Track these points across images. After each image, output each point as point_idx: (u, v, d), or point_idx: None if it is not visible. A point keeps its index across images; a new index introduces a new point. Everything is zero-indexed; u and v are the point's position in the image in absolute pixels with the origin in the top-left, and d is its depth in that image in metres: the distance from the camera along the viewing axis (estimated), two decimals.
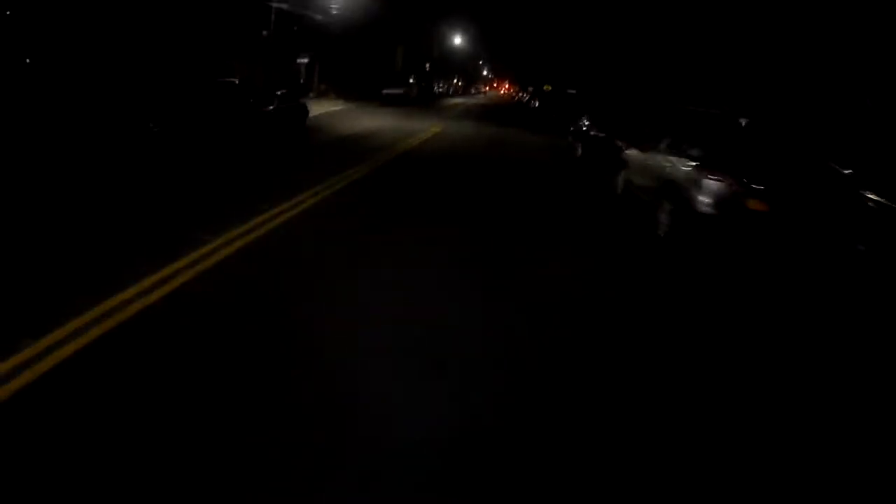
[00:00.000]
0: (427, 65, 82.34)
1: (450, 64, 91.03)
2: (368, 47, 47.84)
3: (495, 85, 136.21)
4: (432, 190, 10.47)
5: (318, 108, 28.57)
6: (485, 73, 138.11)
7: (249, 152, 13.12)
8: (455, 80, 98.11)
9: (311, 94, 39.37)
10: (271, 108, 16.54)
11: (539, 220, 8.95)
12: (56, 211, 6.79)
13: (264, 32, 25.75)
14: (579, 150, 17.35)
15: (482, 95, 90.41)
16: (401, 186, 10.60)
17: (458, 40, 79.45)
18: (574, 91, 38.95)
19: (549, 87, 49.11)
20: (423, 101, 42.83)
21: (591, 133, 16.58)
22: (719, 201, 6.86)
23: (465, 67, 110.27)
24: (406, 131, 19.56)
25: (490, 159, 15.17)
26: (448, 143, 17.58)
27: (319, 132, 18.18)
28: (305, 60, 33.33)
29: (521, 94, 68.60)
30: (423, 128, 21.37)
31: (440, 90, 62.42)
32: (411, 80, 43.07)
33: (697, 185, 7.19)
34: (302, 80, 34.05)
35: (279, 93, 17.56)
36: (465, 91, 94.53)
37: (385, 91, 36.66)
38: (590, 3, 48.63)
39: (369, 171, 11.58)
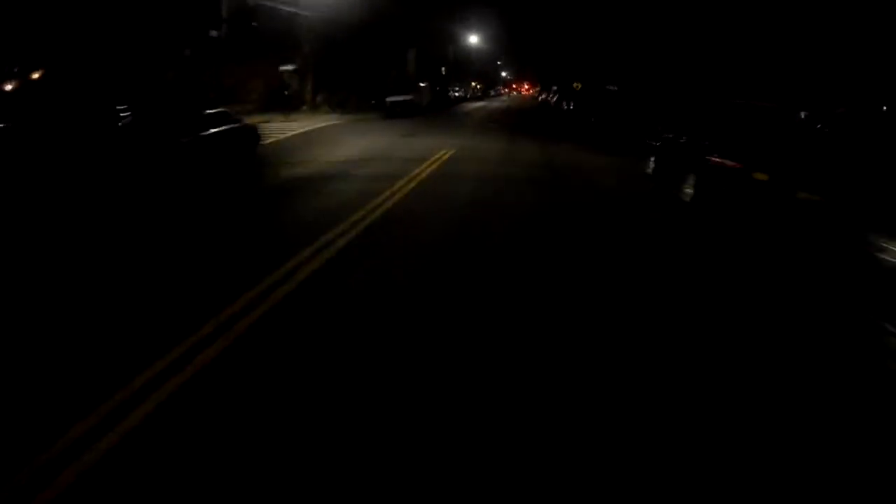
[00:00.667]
0: (443, 68, 76.76)
1: (467, 67, 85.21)
2: (375, 51, 42.38)
3: (514, 87, 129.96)
4: (431, 354, 4.20)
5: (301, 125, 22.87)
6: (504, 74, 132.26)
7: (111, 223, 7.17)
8: (473, 84, 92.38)
9: (303, 108, 33.88)
10: (187, 139, 10.76)
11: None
12: None
13: (214, 33, 19.97)
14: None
15: (504, 98, 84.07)
16: (362, 340, 4.55)
17: (474, 40, 73.62)
18: (614, 87, 32.70)
19: (579, 85, 42.82)
20: (435, 109, 36.76)
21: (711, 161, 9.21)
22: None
23: (483, 70, 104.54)
24: (401, 160, 13.53)
25: (558, 231, 7.87)
26: (465, 186, 10.66)
27: (271, 168, 12.29)
28: (291, 68, 27.71)
29: (545, 95, 62.15)
30: (428, 151, 15.17)
31: (457, 94, 56.36)
32: (421, 85, 37.07)
33: None
34: (288, 92, 28.44)
35: (207, 114, 11.82)
36: (484, 94, 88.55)
37: (389, 99, 30.77)
38: None
39: (307, 279, 5.56)
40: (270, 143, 16.27)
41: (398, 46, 52.83)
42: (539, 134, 22.31)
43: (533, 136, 21.38)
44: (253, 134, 13.47)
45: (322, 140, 17.61)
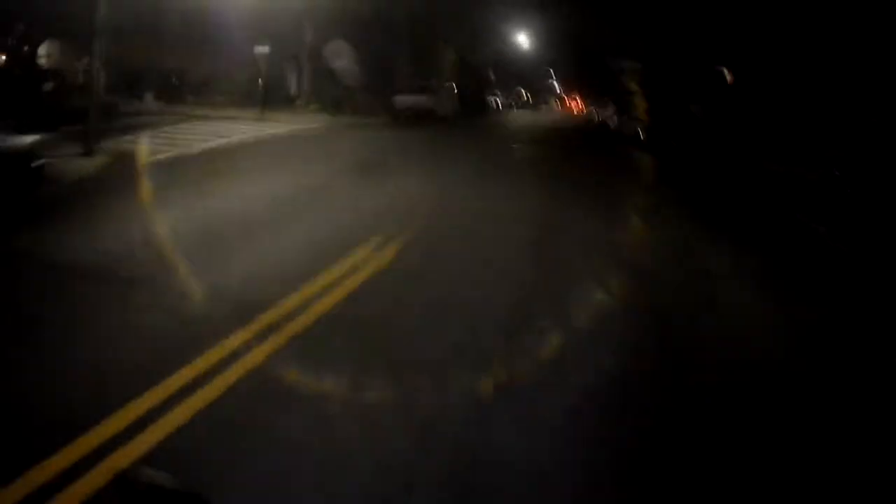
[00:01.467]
0: (491, 72, 69.30)
1: (513, 73, 77.71)
2: (403, 46, 35.35)
3: (565, 99, 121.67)
4: None
5: (260, 129, 15.87)
6: (554, 83, 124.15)
7: None
8: (522, 91, 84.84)
9: (297, 103, 26.79)
10: None
11: None
12: None
13: None
14: None
15: (553, 110, 75.92)
16: None
17: (523, 41, 65.78)
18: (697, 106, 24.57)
19: (646, 104, 34.74)
20: (464, 117, 29.01)
21: None
22: None
23: (533, 78, 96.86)
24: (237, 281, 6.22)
25: None
26: None
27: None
28: (265, 50, 20.60)
29: (599, 112, 52.87)
30: (345, 239, 6.10)
31: (499, 101, 48.46)
32: (447, 84, 29.56)
33: None
34: (262, 81, 21.34)
35: None
36: (531, 104, 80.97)
37: (399, 100, 23.48)
38: None
39: None
40: (156, 162, 9.26)
41: (429, 42, 45.65)
42: (605, 185, 12.19)
43: (595, 188, 11.37)
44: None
45: (220, 167, 10.32)
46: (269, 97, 22.95)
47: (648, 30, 31.71)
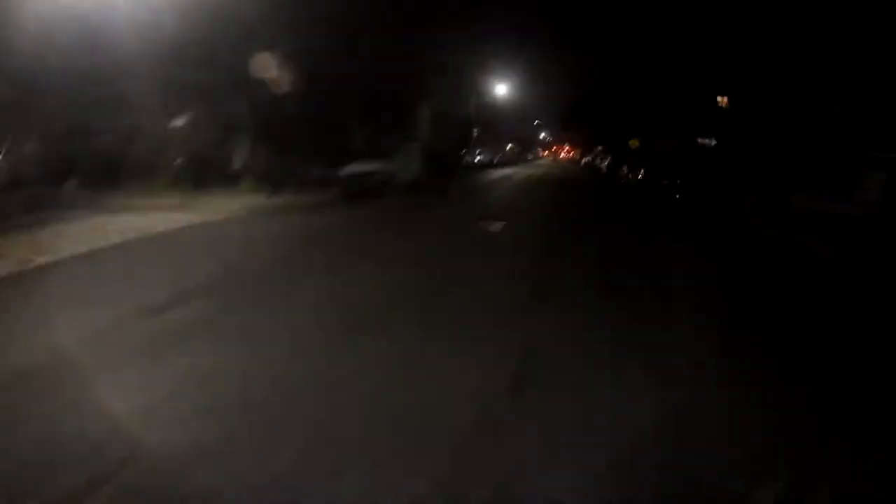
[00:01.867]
0: (474, 130, 66.71)
1: (498, 128, 75.25)
2: (367, 105, 32.24)
3: (556, 148, 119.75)
4: None
5: (158, 223, 11.86)
6: (543, 135, 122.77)
7: None
8: (510, 146, 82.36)
9: (240, 180, 23.15)
10: None
11: None
12: None
13: None
14: None
15: (541, 162, 72.90)
16: None
17: (502, 92, 63.38)
18: (712, 141, 20.94)
19: (637, 143, 31.28)
20: (433, 182, 25.29)
21: None
22: None
23: (520, 131, 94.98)
24: None
25: None
26: None
27: None
28: (180, 123, 17.08)
29: (589, 158, 49.86)
30: None
31: (482, 159, 45.06)
32: (411, 146, 25.92)
33: None
34: (180, 162, 17.69)
35: None
36: (519, 158, 78.27)
37: (346, 172, 19.73)
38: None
39: None
40: None
41: (405, 101, 42.82)
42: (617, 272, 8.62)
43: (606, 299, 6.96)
44: None
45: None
46: (208, 176, 19.46)
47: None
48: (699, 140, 20.75)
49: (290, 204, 17.68)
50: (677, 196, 15.84)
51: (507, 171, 41.89)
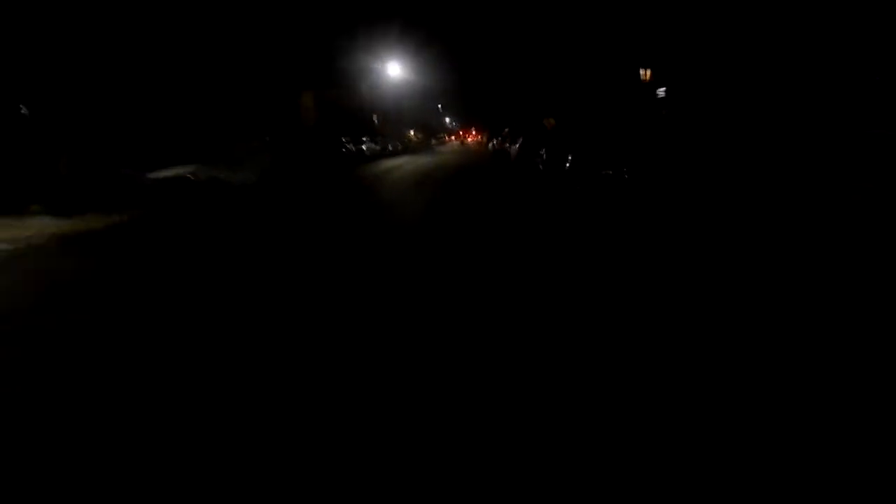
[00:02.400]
0: (375, 116, 61.32)
1: (399, 115, 70.41)
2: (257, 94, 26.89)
3: (462, 133, 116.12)
4: None
5: None
6: (448, 120, 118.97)
7: None
8: (411, 133, 77.65)
9: (31, 207, 17.16)
10: None
11: None
12: None
13: None
14: None
15: (445, 149, 68.23)
16: None
17: (395, 73, 58.34)
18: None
19: (553, 121, 27.39)
20: (276, 185, 19.69)
21: None
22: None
23: (424, 118, 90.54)
24: None
25: None
26: None
27: None
28: None
29: (496, 141, 45.23)
30: None
31: (363, 148, 39.13)
32: (251, 143, 20.31)
33: None
34: None
35: None
36: (421, 145, 73.68)
37: (153, 175, 14.15)
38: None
39: None
40: None
41: (290, 89, 37.21)
42: None
43: None
44: None
45: None
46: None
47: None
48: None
49: (77, 230, 12.21)
50: (625, 175, 11.58)
51: (390, 163, 35.31)
